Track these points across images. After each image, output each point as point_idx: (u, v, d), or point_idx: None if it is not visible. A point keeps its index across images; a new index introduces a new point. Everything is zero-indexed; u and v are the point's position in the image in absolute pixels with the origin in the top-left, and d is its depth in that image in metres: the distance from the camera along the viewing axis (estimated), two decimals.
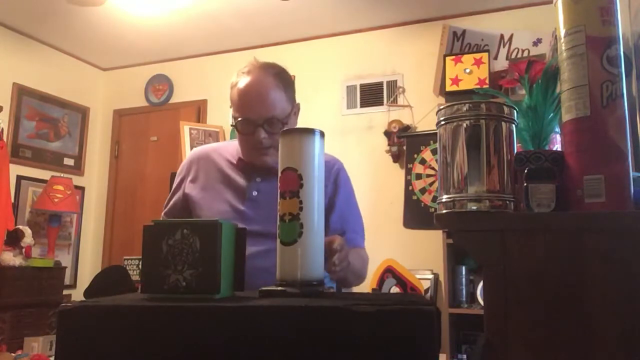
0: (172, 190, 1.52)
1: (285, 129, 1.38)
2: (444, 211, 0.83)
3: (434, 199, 3.42)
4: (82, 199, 4.53)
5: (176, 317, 0.66)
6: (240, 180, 1.41)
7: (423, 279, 3.32)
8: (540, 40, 3.45)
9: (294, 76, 4.37)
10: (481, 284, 2.67)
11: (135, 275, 4.00)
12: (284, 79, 1.39)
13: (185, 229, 0.77)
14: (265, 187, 1.38)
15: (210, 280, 0.75)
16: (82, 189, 4.53)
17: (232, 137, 4.00)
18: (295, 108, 1.45)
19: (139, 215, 4.41)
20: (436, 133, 0.88)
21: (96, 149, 4.73)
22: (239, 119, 1.35)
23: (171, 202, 1.49)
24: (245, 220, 1.33)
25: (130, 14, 3.75)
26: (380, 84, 3.87)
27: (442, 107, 0.86)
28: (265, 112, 1.33)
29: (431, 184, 3.49)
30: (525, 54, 3.49)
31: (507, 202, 0.80)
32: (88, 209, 4.62)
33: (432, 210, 3.35)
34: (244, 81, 1.35)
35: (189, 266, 0.76)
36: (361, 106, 3.90)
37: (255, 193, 1.39)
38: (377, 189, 3.68)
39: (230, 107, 1.41)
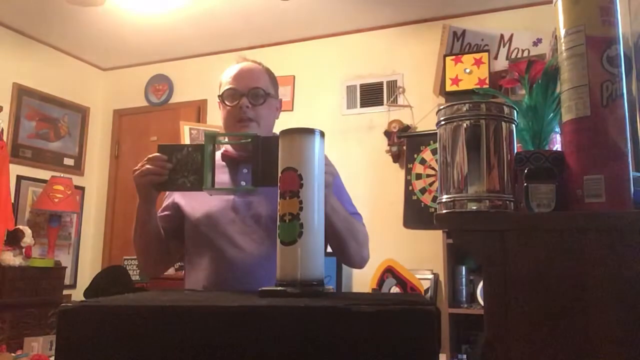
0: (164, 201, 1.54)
1: (267, 121, 1.45)
2: (444, 211, 0.83)
3: (434, 199, 3.42)
4: (82, 199, 4.53)
5: (176, 317, 0.66)
6: (227, 175, 1.46)
7: (423, 279, 3.32)
8: (540, 40, 3.45)
9: (294, 76, 4.37)
10: (481, 284, 2.67)
11: (135, 275, 4.00)
12: (270, 72, 1.52)
13: (189, 148, 1.19)
14: (249, 176, 1.42)
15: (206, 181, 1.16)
16: (82, 189, 4.53)
17: None
18: (278, 103, 1.54)
19: None
20: (436, 133, 0.88)
21: (96, 149, 4.73)
22: (226, 88, 1.44)
23: (163, 213, 1.50)
24: (238, 208, 1.39)
25: (130, 14, 3.75)
26: (380, 84, 3.87)
27: (442, 107, 0.86)
28: (251, 83, 1.43)
29: (431, 184, 3.49)
30: (525, 54, 3.49)
31: (507, 202, 0.80)
32: (88, 209, 4.62)
33: (432, 210, 3.35)
34: (234, 66, 1.48)
35: (193, 172, 1.18)
36: (361, 106, 3.90)
37: (243, 183, 1.43)
38: (377, 189, 3.68)
39: (218, 98, 1.48)
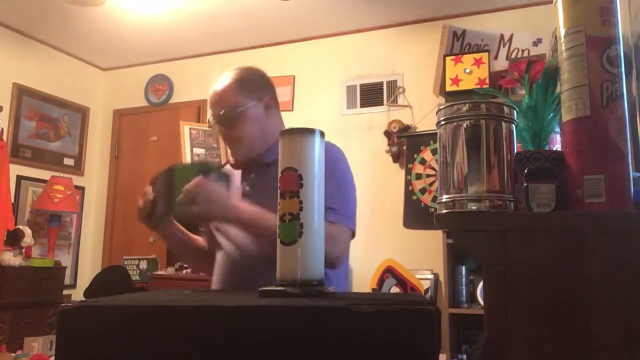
0: None
1: (251, 122, 1.41)
2: (444, 211, 0.83)
3: (434, 199, 3.42)
4: (82, 199, 4.53)
5: (176, 317, 0.66)
6: (238, 179, 1.49)
7: (423, 279, 3.32)
8: (540, 40, 3.45)
9: (294, 76, 4.35)
10: (481, 284, 2.67)
11: (135, 275, 4.00)
12: (241, 77, 1.44)
13: (161, 173, 1.27)
14: (257, 181, 1.44)
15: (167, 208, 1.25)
16: (82, 189, 4.53)
17: None
18: (262, 104, 1.46)
19: None
20: (436, 133, 0.87)
21: (96, 149, 4.73)
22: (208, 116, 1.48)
23: None
24: None
25: (130, 14, 3.75)
26: (380, 84, 3.87)
27: (442, 107, 0.86)
28: (217, 108, 1.42)
29: (431, 184, 3.49)
30: (525, 54, 3.49)
31: (507, 202, 0.80)
32: (88, 209, 4.62)
33: (432, 210, 3.35)
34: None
35: (162, 197, 1.25)
36: (361, 106, 3.90)
37: (248, 188, 1.44)
38: (377, 189, 3.68)
39: None
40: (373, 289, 3.25)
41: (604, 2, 0.79)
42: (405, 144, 3.65)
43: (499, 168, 0.81)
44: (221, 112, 1.40)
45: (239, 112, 1.40)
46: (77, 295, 4.20)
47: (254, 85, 1.46)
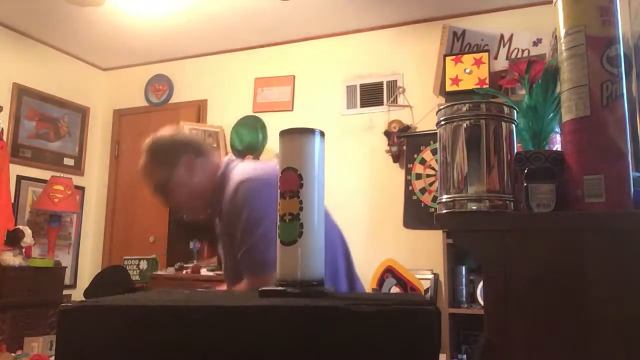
0: None
1: (178, 190, 1.46)
2: (444, 211, 0.83)
3: (434, 199, 3.42)
4: (82, 199, 4.53)
5: (176, 317, 0.66)
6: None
7: (423, 279, 3.32)
8: (540, 40, 3.45)
9: (294, 76, 4.36)
10: (481, 284, 2.67)
11: (135, 275, 4.00)
12: (153, 153, 1.48)
13: None
14: (221, 235, 1.49)
15: None
16: (82, 189, 4.53)
17: (233, 142, 4.00)
18: (181, 166, 1.46)
19: (139, 215, 4.41)
20: (436, 133, 0.88)
21: (96, 149, 4.73)
22: None
23: None
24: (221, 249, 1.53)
25: (130, 14, 3.75)
26: (380, 84, 3.87)
27: (442, 107, 0.86)
28: (149, 188, 1.49)
29: (431, 184, 3.49)
30: (525, 54, 3.49)
31: (507, 202, 0.80)
32: (88, 209, 4.62)
33: (432, 210, 3.35)
34: None
35: None
36: (361, 106, 3.90)
37: (221, 243, 1.52)
38: (377, 189, 3.68)
39: None
40: (373, 289, 3.25)
41: (604, 2, 0.79)
42: (405, 144, 3.65)
43: (499, 168, 0.81)
44: (153, 190, 1.47)
45: (162, 186, 1.44)
46: (77, 295, 4.20)
47: (166, 154, 1.47)
